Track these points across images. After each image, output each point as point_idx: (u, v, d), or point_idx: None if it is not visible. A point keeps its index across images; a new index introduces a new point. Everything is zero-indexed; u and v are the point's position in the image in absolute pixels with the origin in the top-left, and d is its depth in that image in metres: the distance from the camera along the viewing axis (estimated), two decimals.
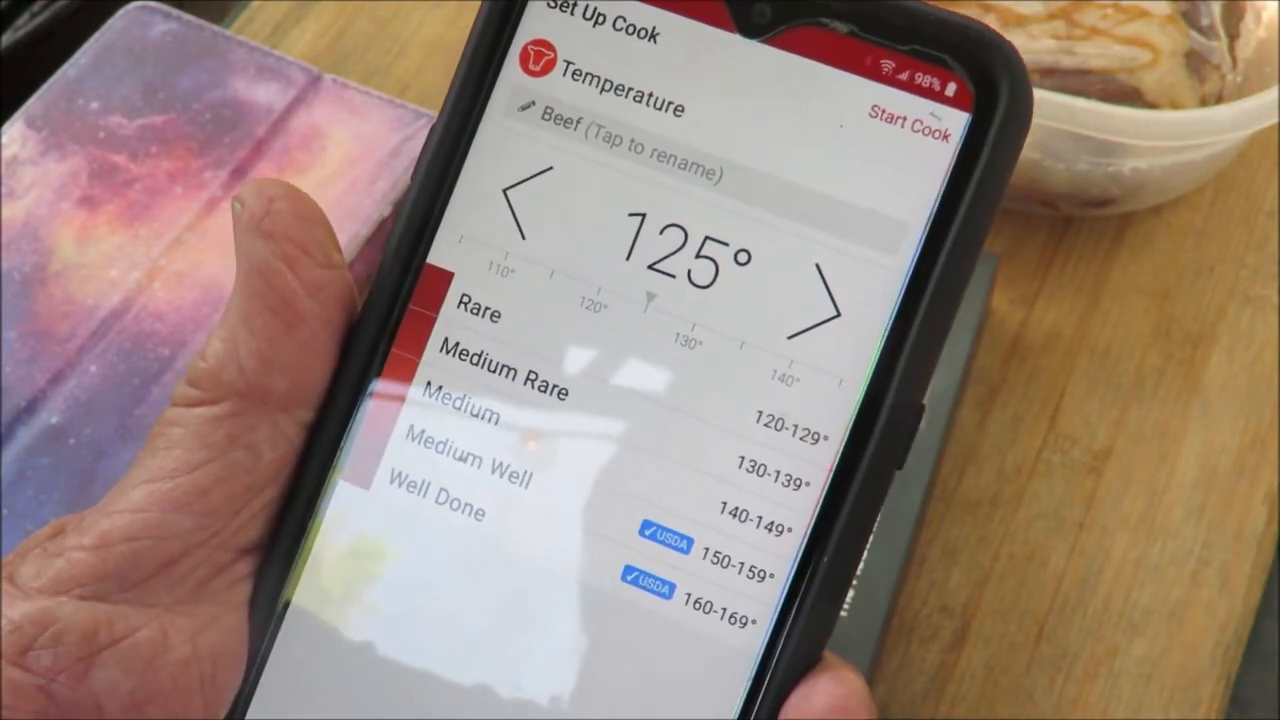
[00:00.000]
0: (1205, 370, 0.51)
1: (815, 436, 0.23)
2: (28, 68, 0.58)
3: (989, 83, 0.22)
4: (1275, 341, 0.52)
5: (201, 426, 0.22)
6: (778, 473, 0.23)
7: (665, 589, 0.23)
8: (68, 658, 0.21)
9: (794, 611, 0.22)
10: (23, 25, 0.63)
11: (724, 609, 0.22)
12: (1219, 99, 0.52)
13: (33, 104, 0.55)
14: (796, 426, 0.23)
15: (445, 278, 0.23)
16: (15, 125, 0.55)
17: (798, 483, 0.23)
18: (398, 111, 0.56)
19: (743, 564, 0.23)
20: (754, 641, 0.22)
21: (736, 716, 0.22)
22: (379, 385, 0.23)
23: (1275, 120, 0.48)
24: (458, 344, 0.23)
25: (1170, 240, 0.54)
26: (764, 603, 0.22)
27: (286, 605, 0.23)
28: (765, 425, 0.23)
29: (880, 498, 0.22)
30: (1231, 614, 0.46)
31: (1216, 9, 0.56)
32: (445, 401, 0.23)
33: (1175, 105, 0.51)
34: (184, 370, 0.49)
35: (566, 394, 0.23)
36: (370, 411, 0.23)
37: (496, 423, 0.23)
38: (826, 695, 0.22)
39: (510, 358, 0.23)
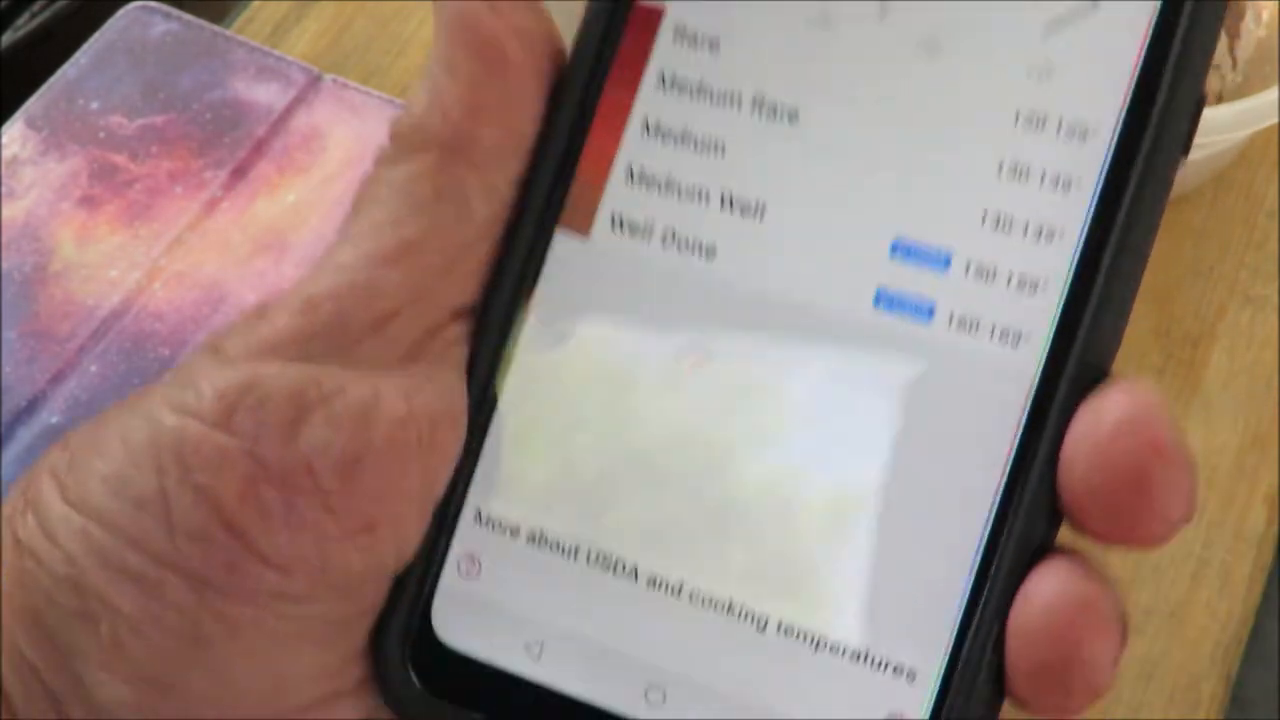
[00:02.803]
0: (1205, 370, 0.51)
1: (1083, 132, 0.20)
2: (28, 68, 0.58)
3: None
4: (1275, 341, 0.52)
5: (407, 182, 0.21)
6: (1044, 173, 0.20)
7: (924, 310, 0.21)
8: (275, 419, 0.20)
9: (1075, 322, 0.20)
10: (23, 25, 0.63)
11: (993, 326, 0.20)
12: (1219, 99, 0.52)
13: (33, 104, 0.55)
14: (1061, 122, 0.21)
15: (657, 12, 0.22)
16: (15, 125, 0.55)
17: (1066, 182, 0.20)
18: (398, 111, 0.56)
19: (1011, 275, 0.20)
20: (1030, 359, 0.20)
21: (1018, 440, 0.20)
22: (593, 128, 0.22)
23: (1275, 120, 0.48)
24: (675, 76, 0.22)
25: (1170, 240, 0.54)
26: (1039, 316, 0.20)
27: (507, 365, 0.22)
28: (1025, 125, 0.21)
29: (1165, 191, 0.20)
30: (1231, 614, 0.46)
31: None
32: (665, 138, 0.22)
33: None
34: None
35: (798, 116, 0.21)
36: (585, 156, 0.22)
37: (723, 154, 0.21)
38: (1119, 408, 0.20)
39: (733, 84, 0.21)
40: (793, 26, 0.21)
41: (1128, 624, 0.20)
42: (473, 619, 0.22)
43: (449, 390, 0.22)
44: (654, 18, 0.22)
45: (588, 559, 0.21)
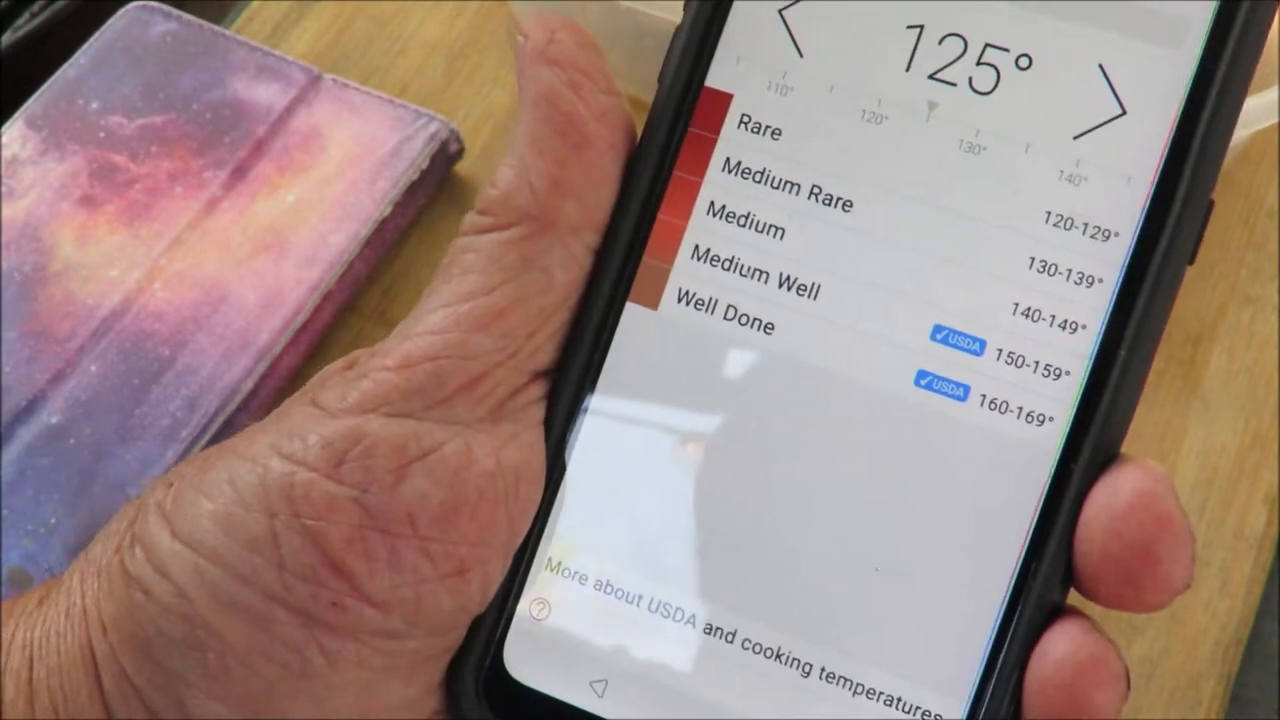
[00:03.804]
0: (1205, 370, 0.51)
1: (1106, 234, 0.23)
2: (28, 68, 0.58)
3: None
4: (1275, 341, 0.52)
5: (495, 250, 0.23)
6: (1069, 271, 0.23)
7: (960, 391, 0.23)
8: (380, 470, 0.22)
9: (1093, 406, 0.23)
10: (23, 25, 0.63)
11: (1020, 408, 0.23)
12: None
13: (33, 104, 0.55)
14: (1086, 225, 0.23)
15: (725, 99, 0.24)
16: (15, 125, 0.55)
17: (1090, 280, 0.23)
18: (398, 111, 0.56)
19: (1038, 362, 0.23)
20: (1052, 438, 0.23)
21: (1039, 511, 0.23)
22: (663, 206, 0.23)
23: (1275, 120, 0.48)
24: (739, 162, 0.24)
25: None
26: (1061, 399, 0.23)
27: (580, 426, 0.23)
28: (1055, 225, 0.23)
29: (1174, 292, 0.23)
30: (1231, 614, 0.46)
31: None
32: (730, 219, 0.23)
33: None
34: (184, 370, 0.49)
35: (851, 205, 0.23)
36: (655, 233, 0.23)
37: (782, 237, 0.23)
38: (1133, 484, 0.22)
39: (793, 173, 0.23)
40: (848, 121, 0.23)
41: (1129, 679, 0.22)
42: (542, 657, 0.24)
43: (530, 447, 0.24)
44: (721, 103, 0.24)
45: (649, 606, 0.23)
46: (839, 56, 0.23)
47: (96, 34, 0.57)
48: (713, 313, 0.23)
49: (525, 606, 0.24)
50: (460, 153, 0.57)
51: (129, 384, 0.49)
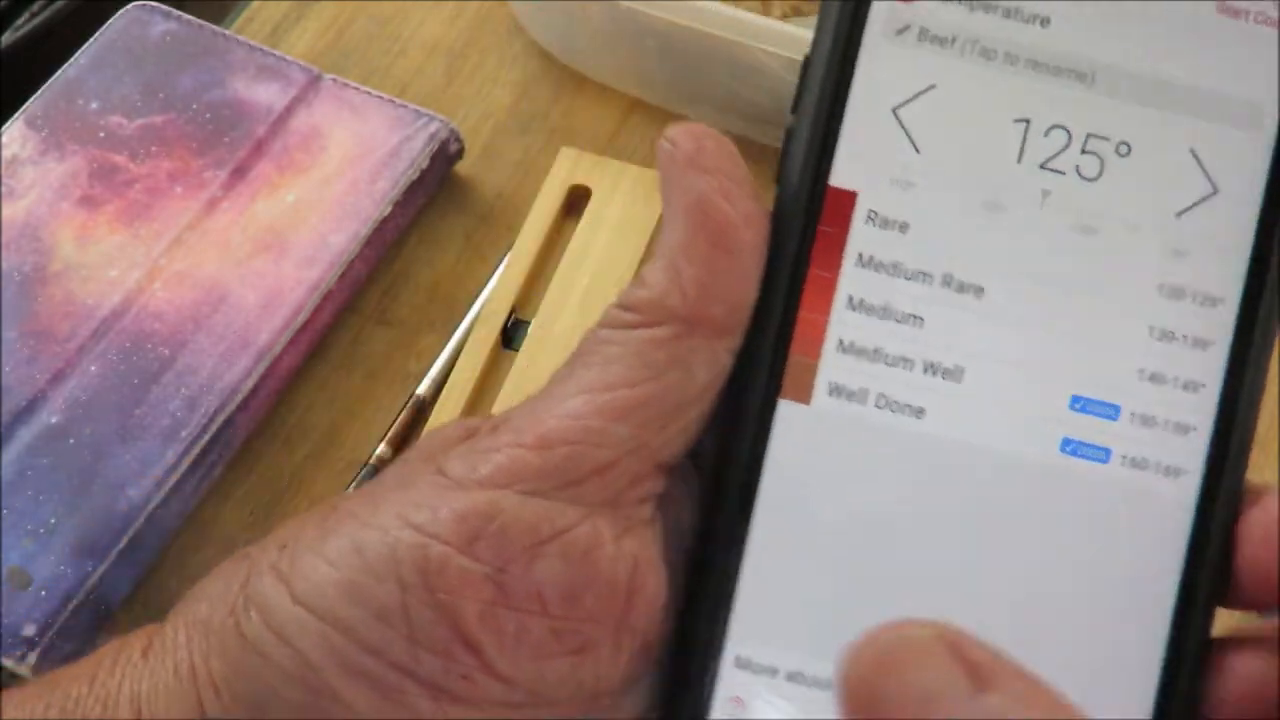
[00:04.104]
0: None
1: (1212, 301, 0.25)
2: (28, 68, 0.58)
3: None
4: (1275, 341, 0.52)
5: (642, 347, 0.24)
6: (1185, 336, 0.25)
7: (1102, 454, 0.25)
8: (515, 548, 0.23)
9: (1222, 456, 0.25)
10: (23, 25, 0.63)
11: (1157, 464, 0.25)
12: None
13: (33, 104, 0.55)
14: (1195, 294, 0.25)
15: (850, 197, 0.25)
16: (15, 125, 0.55)
17: (1204, 343, 0.25)
18: (398, 111, 0.56)
19: (1167, 421, 0.25)
20: (1189, 488, 0.25)
21: (1188, 549, 0.25)
22: (804, 303, 0.25)
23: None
24: (872, 256, 0.25)
25: None
26: (1192, 453, 0.25)
27: (751, 523, 0.24)
28: (1167, 296, 0.25)
29: (1273, 347, 0.25)
30: (1232, 614, 0.46)
31: None
32: (869, 312, 0.25)
33: None
34: (184, 370, 0.49)
35: (982, 291, 0.25)
36: (799, 329, 0.25)
37: (921, 325, 0.25)
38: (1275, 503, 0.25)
39: (924, 264, 0.25)
40: (970, 211, 0.25)
41: None
42: None
43: (646, 538, 0.24)
44: (847, 201, 0.25)
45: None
46: (955, 151, 0.25)
47: (96, 34, 0.57)
48: (865, 403, 0.25)
49: (719, 705, 0.24)
50: (460, 153, 0.57)
51: (129, 384, 0.49)
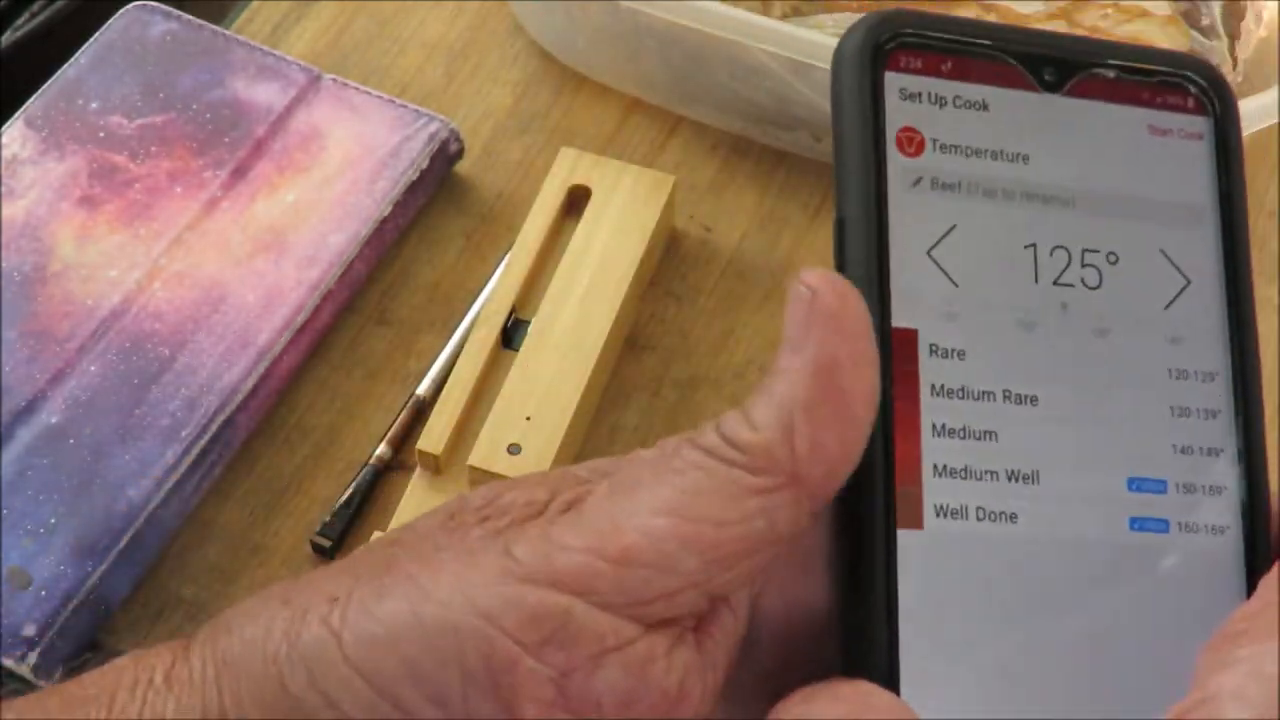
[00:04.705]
0: None
1: (1209, 376, 0.29)
2: (28, 68, 0.58)
3: (1215, 90, 0.30)
4: (1275, 341, 0.52)
5: (736, 490, 0.24)
6: (1198, 410, 0.28)
7: (1163, 525, 0.28)
8: (581, 656, 0.24)
9: (1253, 508, 0.28)
10: (23, 25, 0.63)
11: (1206, 524, 0.28)
12: None
13: (33, 104, 0.55)
14: (1196, 372, 0.29)
15: (912, 335, 0.27)
16: (15, 125, 0.55)
17: (1212, 413, 0.29)
18: (398, 111, 0.56)
19: (1204, 486, 0.28)
20: (1234, 540, 0.28)
21: (1245, 595, 0.27)
22: (898, 437, 0.27)
23: (1275, 120, 0.48)
24: (943, 385, 0.27)
25: None
26: (1229, 509, 0.28)
27: (900, 644, 0.26)
28: (1176, 378, 0.29)
29: (1262, 407, 0.29)
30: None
31: (1216, 9, 0.56)
32: (951, 435, 0.27)
33: None
34: (184, 370, 0.49)
35: (1036, 399, 0.28)
36: (900, 462, 0.27)
37: (996, 439, 0.27)
38: None
39: (985, 383, 0.28)
40: (1010, 330, 0.28)
41: None
42: None
43: (692, 640, 0.25)
44: (911, 338, 0.27)
45: None
46: (985, 280, 0.28)
47: (96, 34, 0.57)
48: (967, 518, 0.27)
49: None
50: (460, 153, 0.57)
51: (129, 384, 0.49)
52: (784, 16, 0.56)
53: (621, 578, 0.24)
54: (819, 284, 0.25)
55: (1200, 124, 0.30)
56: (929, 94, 0.29)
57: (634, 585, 0.24)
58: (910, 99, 0.28)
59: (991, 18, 0.52)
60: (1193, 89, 0.30)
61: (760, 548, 0.24)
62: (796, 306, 0.25)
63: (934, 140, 0.28)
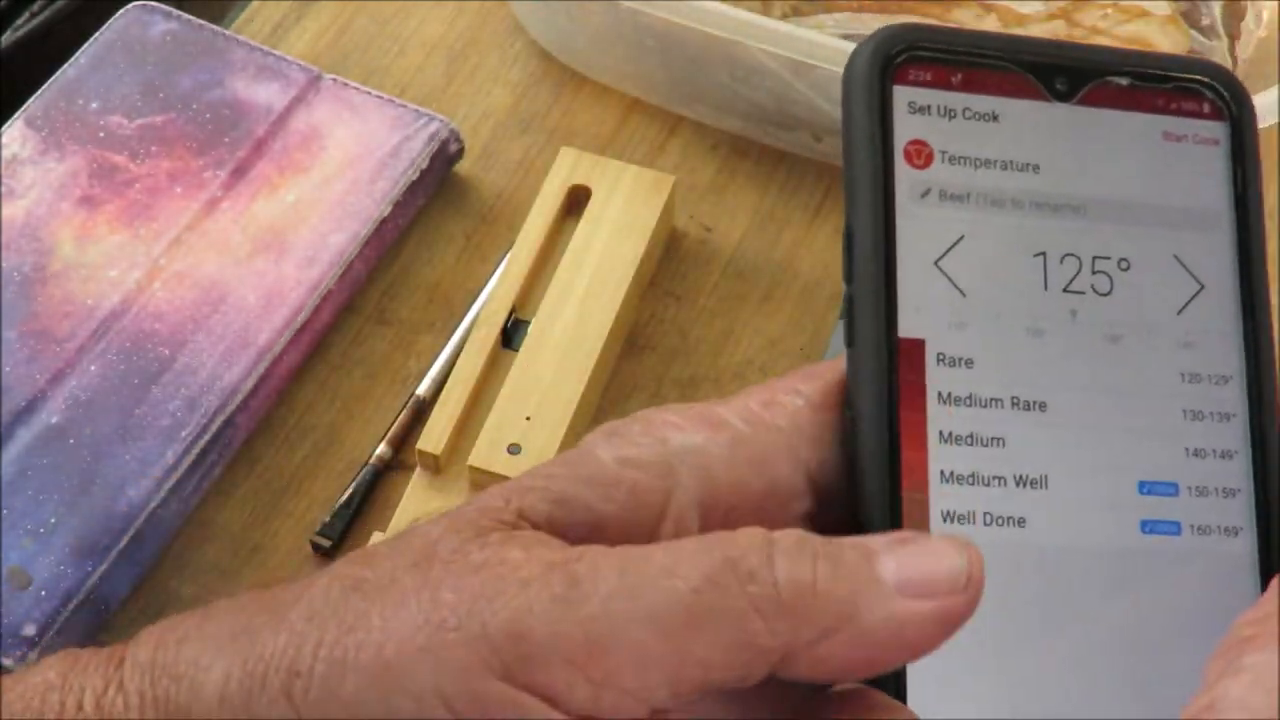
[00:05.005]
0: None
1: (1223, 379, 0.29)
2: (28, 68, 0.58)
3: (1231, 95, 0.30)
4: (1276, 341, 0.52)
5: (745, 635, 0.24)
6: (1211, 413, 0.29)
7: (1174, 528, 0.28)
8: None
9: (1266, 512, 0.28)
10: (23, 25, 0.63)
11: (1219, 527, 0.28)
12: None
13: (33, 104, 0.55)
14: (1209, 376, 0.29)
15: (919, 344, 0.28)
16: (15, 125, 0.55)
17: (1226, 416, 0.29)
18: (398, 111, 0.56)
19: (1217, 489, 0.28)
20: (1248, 542, 0.28)
21: (1259, 597, 0.27)
22: (904, 444, 0.27)
23: (1275, 120, 0.48)
24: (950, 393, 0.28)
25: None
26: (1242, 511, 0.28)
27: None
28: (1189, 382, 0.29)
29: (1276, 413, 0.29)
30: None
31: (1216, 9, 0.56)
32: (958, 442, 0.28)
33: None
34: (184, 370, 0.49)
35: (1045, 405, 0.28)
36: (905, 469, 0.27)
37: (1003, 445, 0.28)
38: None
39: (993, 391, 0.28)
40: (1018, 338, 0.28)
41: None
42: None
43: None
44: (918, 348, 0.28)
45: None
46: (994, 289, 0.28)
47: (96, 34, 0.57)
48: (974, 523, 0.27)
49: None
50: (460, 153, 0.57)
51: (129, 384, 0.49)
52: (784, 16, 0.56)
53: (595, 695, 0.23)
54: (910, 578, 0.24)
55: (1217, 129, 0.30)
56: (938, 106, 0.29)
57: (602, 703, 0.23)
58: (919, 112, 0.29)
59: (991, 17, 0.52)
60: (1209, 94, 0.30)
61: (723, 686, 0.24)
62: (872, 589, 0.24)
63: (943, 152, 0.29)
